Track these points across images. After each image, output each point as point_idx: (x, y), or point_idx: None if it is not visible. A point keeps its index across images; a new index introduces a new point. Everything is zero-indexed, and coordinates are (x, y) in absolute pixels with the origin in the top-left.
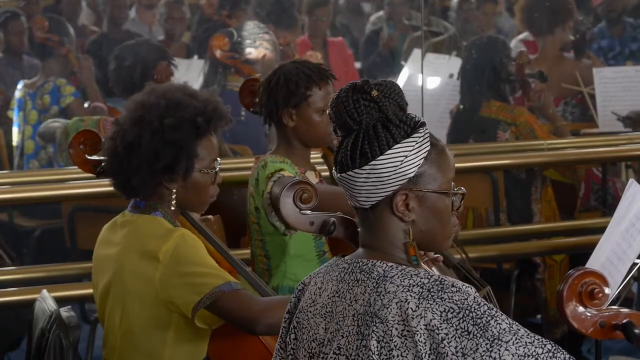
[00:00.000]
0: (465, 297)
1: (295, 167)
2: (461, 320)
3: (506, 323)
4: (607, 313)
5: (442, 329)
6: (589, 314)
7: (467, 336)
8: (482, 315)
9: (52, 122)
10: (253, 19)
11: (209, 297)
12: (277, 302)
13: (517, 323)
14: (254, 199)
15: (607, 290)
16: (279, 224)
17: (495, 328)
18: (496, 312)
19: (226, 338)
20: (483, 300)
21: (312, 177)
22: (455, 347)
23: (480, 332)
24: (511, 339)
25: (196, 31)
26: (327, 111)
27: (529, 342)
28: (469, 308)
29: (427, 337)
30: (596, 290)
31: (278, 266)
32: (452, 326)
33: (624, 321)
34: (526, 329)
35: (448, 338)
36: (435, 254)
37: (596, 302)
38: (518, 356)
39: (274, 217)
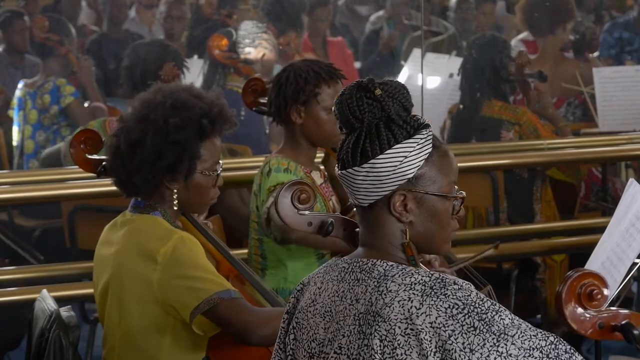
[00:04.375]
0: (468, 293)
1: (300, 168)
2: (467, 316)
3: (509, 318)
4: (606, 314)
5: (448, 326)
6: (588, 315)
7: (474, 332)
8: (487, 311)
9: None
10: (253, 18)
11: (206, 302)
12: (274, 314)
13: (517, 317)
14: (256, 197)
15: (606, 292)
16: (274, 235)
17: (500, 323)
18: (499, 307)
19: (226, 338)
20: (485, 296)
21: (317, 177)
22: (463, 343)
23: (486, 328)
24: (516, 333)
25: (196, 30)
26: (332, 109)
27: (533, 335)
28: (473, 304)
29: (433, 334)
30: (595, 291)
31: (274, 267)
32: (458, 322)
33: (623, 322)
34: (527, 323)
35: (455, 334)
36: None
37: (595, 304)
38: (524, 350)
39: (269, 230)
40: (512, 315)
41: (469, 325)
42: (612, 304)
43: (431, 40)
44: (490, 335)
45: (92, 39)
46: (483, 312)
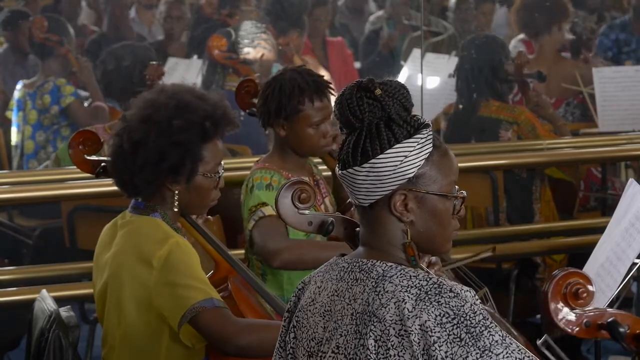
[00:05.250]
0: (462, 303)
1: (284, 179)
2: (455, 327)
3: (499, 335)
4: (592, 313)
5: (435, 332)
6: (574, 314)
7: (459, 343)
8: (477, 325)
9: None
10: (254, 19)
11: (190, 311)
12: (257, 325)
13: (510, 337)
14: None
15: (591, 288)
16: (257, 256)
17: (488, 339)
18: (490, 322)
19: None
20: (480, 308)
21: None
22: (445, 352)
23: (472, 341)
24: (502, 352)
25: (196, 31)
26: (333, 109)
27: (519, 359)
28: (464, 315)
29: (421, 337)
30: (580, 290)
31: (272, 273)
32: (445, 331)
33: (609, 320)
34: (518, 344)
35: (439, 342)
36: (432, 256)
37: (581, 302)
38: None
39: (252, 251)
40: (504, 333)
41: (455, 336)
42: (612, 304)
43: (431, 41)
44: (474, 350)
45: (92, 38)
46: (472, 325)
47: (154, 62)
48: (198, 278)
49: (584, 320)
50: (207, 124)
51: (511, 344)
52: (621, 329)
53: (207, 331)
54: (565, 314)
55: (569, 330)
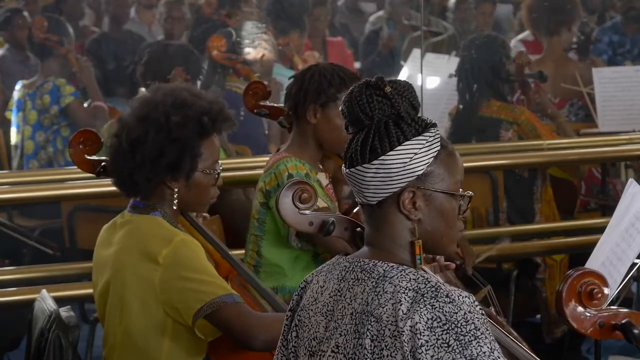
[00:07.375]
0: (456, 310)
1: (313, 171)
2: (444, 332)
3: (488, 347)
4: (606, 313)
5: (424, 335)
6: (588, 314)
7: (446, 349)
8: (467, 334)
9: None
10: (254, 18)
11: (210, 306)
12: (277, 318)
13: (499, 350)
14: (263, 194)
15: (606, 291)
16: (296, 243)
17: (476, 349)
18: (482, 333)
19: (227, 338)
20: (475, 317)
21: (323, 179)
22: (432, 356)
23: (460, 349)
24: None
25: (195, 31)
26: (341, 107)
27: None
28: (455, 322)
29: (410, 338)
30: (595, 290)
31: (268, 264)
32: (434, 335)
33: (623, 321)
34: None
35: (427, 345)
36: (437, 257)
37: (595, 302)
38: None
39: (293, 238)
40: (495, 346)
41: (443, 341)
42: (611, 304)
43: (431, 41)
44: (460, 357)
45: (92, 38)
46: (462, 333)
47: (180, 67)
48: (212, 274)
49: (598, 321)
50: (204, 120)
51: (499, 357)
52: (636, 331)
53: (229, 327)
54: (579, 314)
55: (583, 331)
